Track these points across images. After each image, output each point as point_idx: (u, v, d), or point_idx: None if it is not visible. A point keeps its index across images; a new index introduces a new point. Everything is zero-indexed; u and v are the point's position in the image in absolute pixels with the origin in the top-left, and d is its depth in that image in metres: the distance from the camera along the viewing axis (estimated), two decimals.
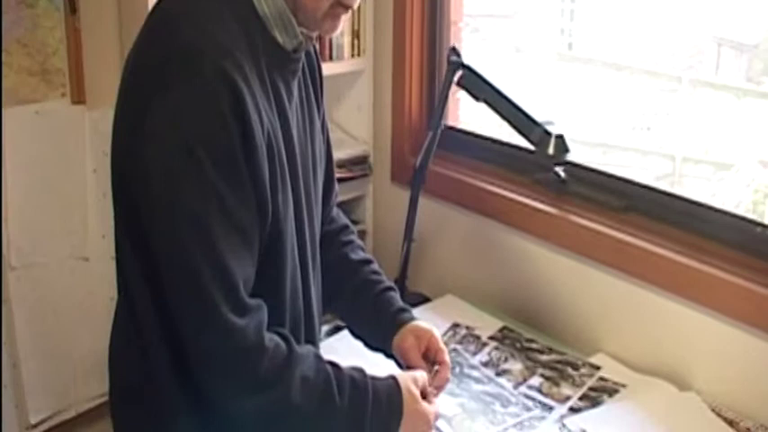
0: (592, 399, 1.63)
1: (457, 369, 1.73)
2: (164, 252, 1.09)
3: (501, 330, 1.89)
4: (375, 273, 1.47)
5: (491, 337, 1.86)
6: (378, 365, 1.45)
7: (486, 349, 1.82)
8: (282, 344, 1.15)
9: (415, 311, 1.98)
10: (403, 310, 1.44)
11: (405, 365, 1.38)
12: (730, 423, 1.53)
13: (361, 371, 1.22)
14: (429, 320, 1.92)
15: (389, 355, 1.43)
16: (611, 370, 1.72)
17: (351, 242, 1.52)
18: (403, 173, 2.19)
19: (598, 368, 1.73)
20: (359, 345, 1.49)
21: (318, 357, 1.19)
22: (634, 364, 1.73)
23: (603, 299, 1.80)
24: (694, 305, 1.63)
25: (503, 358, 1.78)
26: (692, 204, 1.74)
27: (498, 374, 1.72)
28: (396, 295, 1.46)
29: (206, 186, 1.05)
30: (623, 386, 1.66)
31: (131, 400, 1.22)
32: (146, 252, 1.11)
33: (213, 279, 1.06)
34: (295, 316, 1.26)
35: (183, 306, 1.10)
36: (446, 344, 1.81)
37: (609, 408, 1.59)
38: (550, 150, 1.80)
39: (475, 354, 1.80)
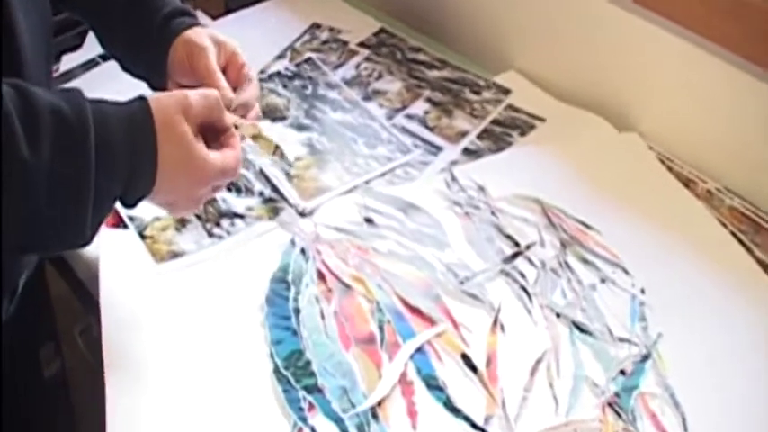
0: (496, 137, 1.14)
1: (308, 89, 1.21)
2: None
3: (377, 34, 1.35)
4: None
5: (362, 44, 1.32)
6: None
7: (354, 60, 1.28)
8: None
9: (262, 7, 1.43)
10: (185, 12, 0.86)
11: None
12: (687, 183, 1.08)
13: (74, 93, 0.66)
14: (280, 19, 1.38)
15: (158, 88, 0.88)
16: (524, 95, 1.21)
17: None
18: None
19: (507, 92, 1.22)
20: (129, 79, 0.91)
21: None
22: (558, 89, 1.22)
23: None
24: (648, 12, 1.10)
25: (376, 74, 1.26)
26: None
27: (367, 98, 1.20)
28: None
29: None
30: (541, 120, 1.17)
31: None
32: None
33: None
34: None
35: None
36: (298, 52, 1.28)
37: (517, 152, 1.11)
38: None
39: (337, 67, 1.26)
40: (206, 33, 0.83)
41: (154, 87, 0.88)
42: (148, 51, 0.85)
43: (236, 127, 0.77)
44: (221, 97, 0.76)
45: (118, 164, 0.66)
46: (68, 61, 1.27)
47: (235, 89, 0.81)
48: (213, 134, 0.75)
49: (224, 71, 0.83)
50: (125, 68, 0.90)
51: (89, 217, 0.66)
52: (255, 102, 0.83)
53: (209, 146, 0.74)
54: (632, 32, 1.12)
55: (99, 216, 0.67)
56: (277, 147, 0.97)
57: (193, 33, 0.83)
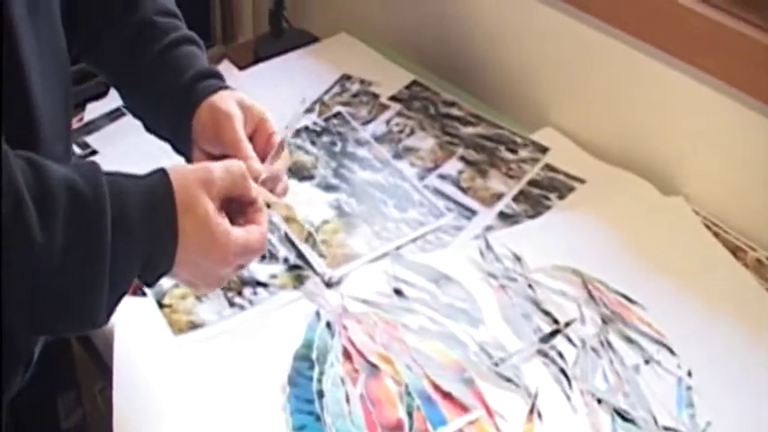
0: (533, 200, 1.09)
1: (337, 146, 1.16)
2: None
3: (409, 87, 1.31)
4: (166, 13, 0.85)
5: (394, 98, 1.28)
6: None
7: (385, 115, 1.24)
8: None
9: (294, 55, 1.40)
10: (212, 74, 0.83)
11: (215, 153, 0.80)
12: (735, 251, 1.02)
13: (91, 170, 0.62)
14: (311, 70, 1.35)
15: (183, 152, 0.84)
16: (563, 154, 1.16)
17: None
18: None
19: (545, 150, 1.18)
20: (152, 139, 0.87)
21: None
22: (597, 147, 1.17)
23: (557, 46, 1.20)
24: (693, 69, 1.05)
25: (407, 129, 1.21)
26: None
27: (398, 156, 1.16)
28: (199, 52, 0.85)
29: None
30: (580, 181, 1.12)
31: None
32: None
33: None
34: None
35: None
36: (327, 106, 1.24)
37: (555, 217, 1.05)
38: None
39: (367, 122, 1.22)
40: (233, 98, 0.79)
41: (178, 151, 0.84)
42: (172, 115, 0.81)
43: (269, 205, 0.73)
44: (248, 168, 0.72)
45: (136, 242, 0.63)
46: (92, 110, 1.24)
47: (263, 158, 0.77)
48: (238, 207, 0.71)
49: (251, 138, 0.78)
50: (149, 129, 0.87)
51: (104, 298, 0.62)
52: (284, 174, 0.79)
53: (233, 220, 0.70)
54: (676, 89, 1.07)
55: (115, 296, 0.64)
56: (310, 234, 0.94)
57: (219, 99, 0.79)
